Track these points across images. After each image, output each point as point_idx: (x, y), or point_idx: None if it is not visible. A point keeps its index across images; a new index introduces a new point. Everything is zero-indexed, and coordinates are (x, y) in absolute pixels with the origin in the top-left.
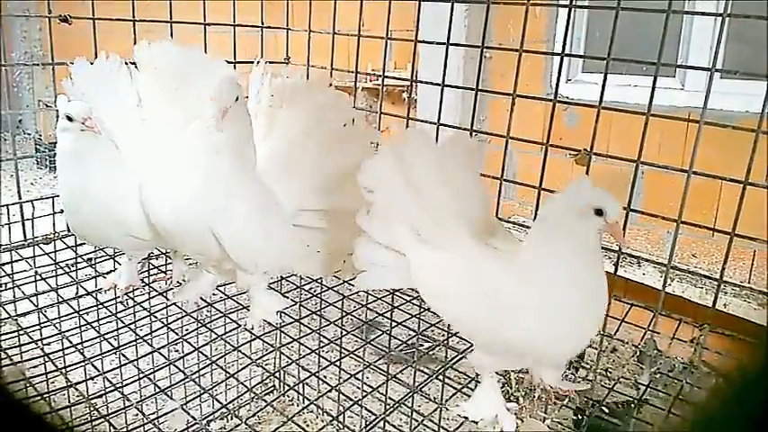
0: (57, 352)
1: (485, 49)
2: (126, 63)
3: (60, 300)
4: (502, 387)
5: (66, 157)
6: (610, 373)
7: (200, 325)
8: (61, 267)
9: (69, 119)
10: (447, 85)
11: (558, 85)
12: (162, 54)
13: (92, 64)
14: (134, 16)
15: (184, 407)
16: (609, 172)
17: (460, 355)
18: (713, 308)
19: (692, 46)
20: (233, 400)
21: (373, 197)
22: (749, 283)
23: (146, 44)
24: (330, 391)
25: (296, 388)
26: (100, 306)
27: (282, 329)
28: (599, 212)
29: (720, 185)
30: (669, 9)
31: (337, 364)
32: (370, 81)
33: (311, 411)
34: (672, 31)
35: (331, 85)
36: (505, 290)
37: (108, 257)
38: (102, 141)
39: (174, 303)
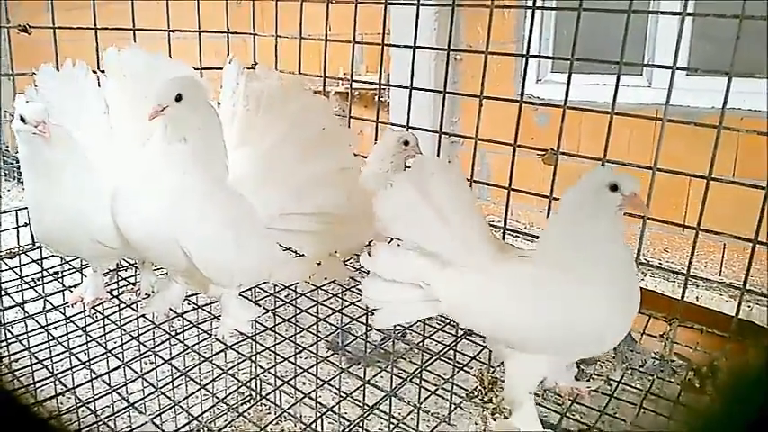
0: (24, 368)
1: (456, 51)
2: (94, 71)
3: (26, 315)
4: (475, 388)
5: (24, 161)
6: (582, 370)
7: (170, 336)
8: (27, 282)
9: (23, 120)
10: (415, 88)
11: (523, 86)
12: (131, 61)
13: (57, 71)
14: (96, 24)
15: (157, 420)
16: (580, 170)
17: (436, 357)
18: (681, 301)
19: (657, 44)
20: (205, 411)
21: (392, 229)
22: (720, 275)
23: (114, 51)
24: (304, 398)
25: (270, 397)
26: (67, 321)
27: (256, 338)
28: (614, 188)
29: (689, 181)
30: (630, 9)
31: (312, 371)
32: (342, 85)
33: (289, 420)
34: (638, 29)
35: (308, 88)
36: (555, 291)
37: (75, 270)
38: (70, 147)
39: (144, 315)
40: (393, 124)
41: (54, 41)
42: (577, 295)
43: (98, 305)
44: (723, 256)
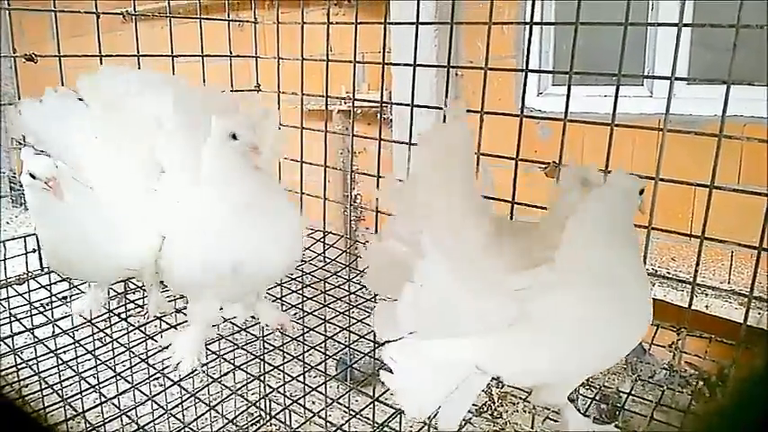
0: (34, 393)
1: (455, 68)
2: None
3: (36, 340)
4: (484, 403)
5: (35, 211)
6: (592, 382)
7: None
8: (35, 307)
9: (32, 176)
10: (416, 105)
11: (523, 100)
12: (100, 80)
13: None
14: (101, 52)
15: None
16: None
17: None
18: (689, 310)
19: (657, 54)
20: None
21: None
22: (729, 283)
23: (85, 76)
24: (313, 417)
25: (279, 417)
26: (77, 344)
27: (264, 357)
28: (641, 192)
29: (694, 191)
30: (627, 21)
31: (321, 390)
32: (345, 104)
33: None
34: (638, 40)
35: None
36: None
37: (83, 294)
38: (75, 189)
39: (152, 338)
40: (395, 141)
41: (60, 69)
42: (624, 308)
43: (107, 328)
44: (731, 264)
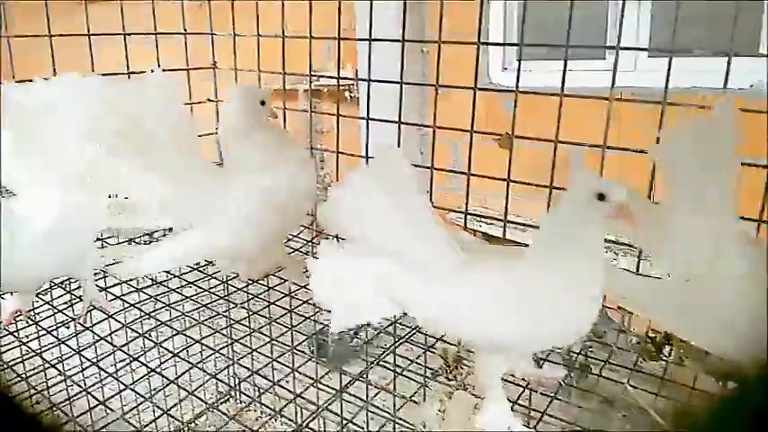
0: None
1: (422, 44)
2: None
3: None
4: (439, 367)
5: None
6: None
7: (140, 336)
8: (2, 297)
9: None
10: (373, 80)
11: (476, 73)
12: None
13: None
14: (50, 32)
15: (126, 417)
16: (543, 156)
17: (404, 340)
18: (636, 273)
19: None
20: (174, 405)
21: (350, 229)
22: None
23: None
24: (273, 386)
25: (244, 387)
26: (36, 325)
27: (228, 333)
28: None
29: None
30: None
31: (281, 360)
32: (310, 82)
33: (262, 407)
34: (600, 13)
35: None
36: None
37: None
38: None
39: (113, 317)
40: (361, 118)
41: (9, 51)
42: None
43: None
44: None
